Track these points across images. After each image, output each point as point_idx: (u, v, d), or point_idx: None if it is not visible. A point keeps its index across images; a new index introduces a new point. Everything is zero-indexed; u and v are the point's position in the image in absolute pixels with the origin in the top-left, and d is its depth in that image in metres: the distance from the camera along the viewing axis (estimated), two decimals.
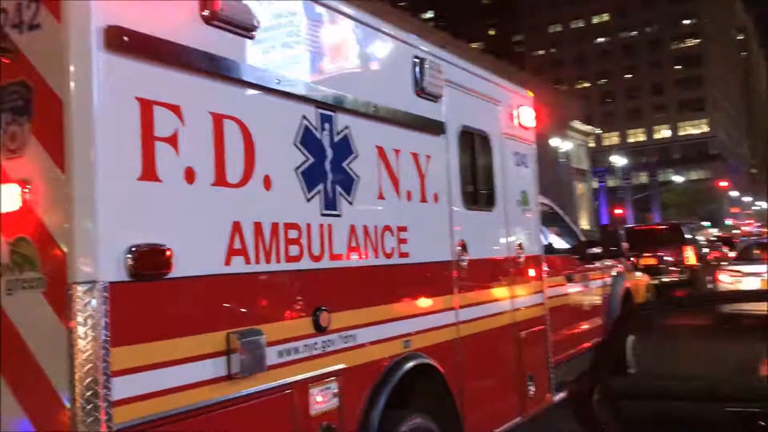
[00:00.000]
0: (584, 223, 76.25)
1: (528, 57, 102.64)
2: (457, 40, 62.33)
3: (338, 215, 3.54)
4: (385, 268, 3.88)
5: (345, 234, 3.58)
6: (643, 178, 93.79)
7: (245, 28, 3.01)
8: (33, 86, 2.49)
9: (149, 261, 2.52)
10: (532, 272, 5.70)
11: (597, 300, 7.59)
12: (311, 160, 3.38)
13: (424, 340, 4.13)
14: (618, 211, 60.63)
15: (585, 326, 7.12)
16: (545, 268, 6.07)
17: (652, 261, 18.72)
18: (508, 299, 5.21)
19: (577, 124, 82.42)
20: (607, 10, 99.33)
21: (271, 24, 3.18)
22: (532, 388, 5.39)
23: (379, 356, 3.74)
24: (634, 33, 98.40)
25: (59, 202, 2.41)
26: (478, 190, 5.01)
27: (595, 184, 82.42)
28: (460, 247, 4.61)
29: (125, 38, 2.50)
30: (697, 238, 22.56)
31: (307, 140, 3.37)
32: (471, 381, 4.51)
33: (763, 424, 2.69)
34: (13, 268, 2.50)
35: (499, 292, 5.11)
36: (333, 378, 3.39)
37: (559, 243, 7.44)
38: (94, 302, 2.35)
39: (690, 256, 19.43)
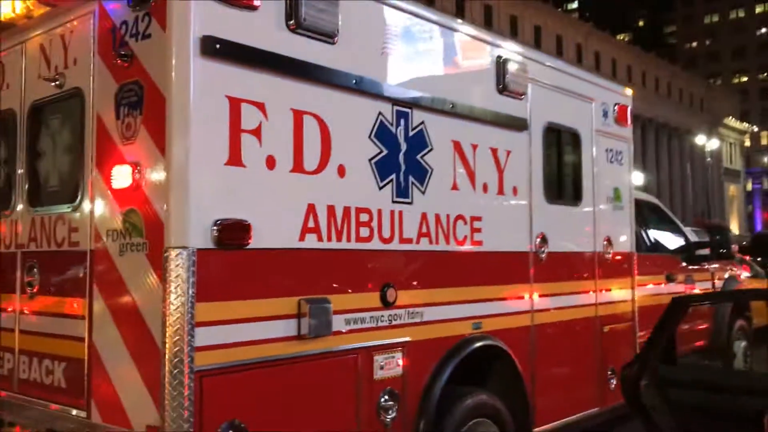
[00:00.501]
0: (734, 228, 71.70)
1: (680, 49, 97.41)
2: (601, 32, 60.59)
3: (410, 203, 3.91)
4: (456, 253, 4.21)
5: (416, 220, 3.95)
6: None
7: (327, 35, 3.44)
8: (144, 85, 3.05)
9: (232, 233, 3.01)
10: (621, 269, 5.79)
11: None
12: (385, 152, 3.77)
13: (495, 323, 4.42)
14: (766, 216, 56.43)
15: (685, 327, 7.04)
16: (639, 265, 6.13)
17: None
18: (591, 293, 5.36)
19: (732, 122, 77.51)
20: None
21: (351, 30, 3.59)
22: (614, 381, 5.51)
23: (446, 334, 4.08)
24: None
25: (161, 180, 2.96)
26: (563, 185, 5.20)
27: (750, 186, 77.14)
28: (539, 239, 4.84)
29: (218, 46, 3.00)
30: None
31: (382, 134, 3.77)
32: (544, 368, 4.74)
33: None
34: (124, 234, 3.08)
35: (581, 285, 5.28)
36: (398, 348, 3.78)
37: (666, 242, 7.39)
38: (184, 264, 2.87)
39: None
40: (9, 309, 3.76)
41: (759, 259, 21.11)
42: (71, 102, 3.47)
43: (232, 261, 3.05)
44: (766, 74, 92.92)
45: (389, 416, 3.69)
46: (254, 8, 3.15)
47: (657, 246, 7.14)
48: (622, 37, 79.81)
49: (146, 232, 3.00)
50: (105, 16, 3.28)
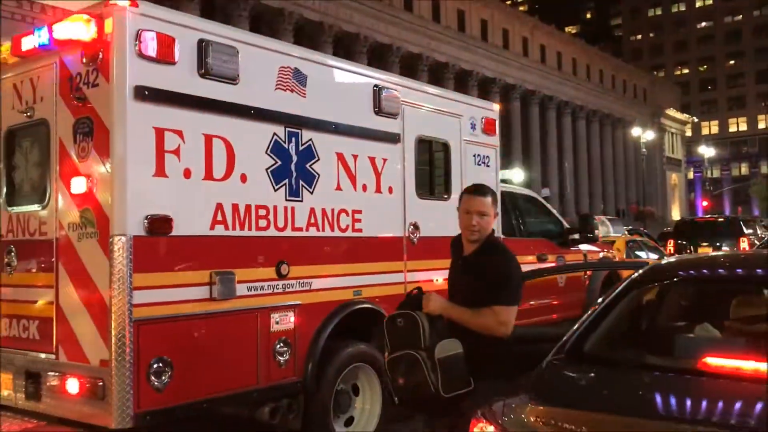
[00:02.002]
0: (676, 214, 74.89)
1: (626, 42, 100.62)
2: (547, 25, 62.57)
3: (300, 200, 5.22)
4: (340, 238, 5.54)
5: (305, 213, 5.26)
6: (744, 169, 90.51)
7: (230, 78, 4.72)
8: (94, 120, 4.29)
9: (158, 224, 4.29)
10: None
11: (574, 278, 8.94)
12: (279, 163, 5.08)
13: (373, 292, 5.77)
14: (704, 203, 59.36)
15: (555, 300, 8.53)
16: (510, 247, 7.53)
17: (708, 250, 19.70)
18: None
19: (673, 113, 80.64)
20: None
21: (248, 73, 4.86)
22: None
23: (330, 299, 5.41)
24: (739, 17, 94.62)
25: (106, 187, 4.21)
26: (434, 184, 6.57)
27: (692, 175, 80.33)
28: (412, 227, 6.21)
29: (146, 92, 4.26)
30: (759, 232, 23.05)
31: (277, 150, 5.07)
32: None
33: None
34: (81, 226, 4.33)
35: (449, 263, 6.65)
36: (291, 309, 5.10)
37: (541, 229, 8.86)
38: (124, 246, 4.14)
39: (744, 247, 20.23)
40: None
41: (680, 241, 23.05)
42: (39, 128, 4.69)
43: (159, 244, 4.33)
44: (705, 67, 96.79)
45: (283, 358, 5.01)
46: (173, 63, 4.41)
47: (531, 232, 8.60)
48: (570, 30, 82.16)
49: (97, 225, 4.26)
50: (64, 66, 4.50)
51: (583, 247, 9.36)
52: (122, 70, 4.21)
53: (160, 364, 4.26)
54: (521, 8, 62.31)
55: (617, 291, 3.75)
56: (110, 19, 4.22)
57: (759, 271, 3.62)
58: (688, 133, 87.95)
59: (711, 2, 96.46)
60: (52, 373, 4.46)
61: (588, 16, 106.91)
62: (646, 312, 3.95)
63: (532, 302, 7.98)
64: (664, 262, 5.33)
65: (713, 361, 2.96)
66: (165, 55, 4.36)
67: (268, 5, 39.22)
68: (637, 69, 79.48)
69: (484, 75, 53.58)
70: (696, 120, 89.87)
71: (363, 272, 5.75)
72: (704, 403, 2.77)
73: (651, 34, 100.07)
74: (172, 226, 4.36)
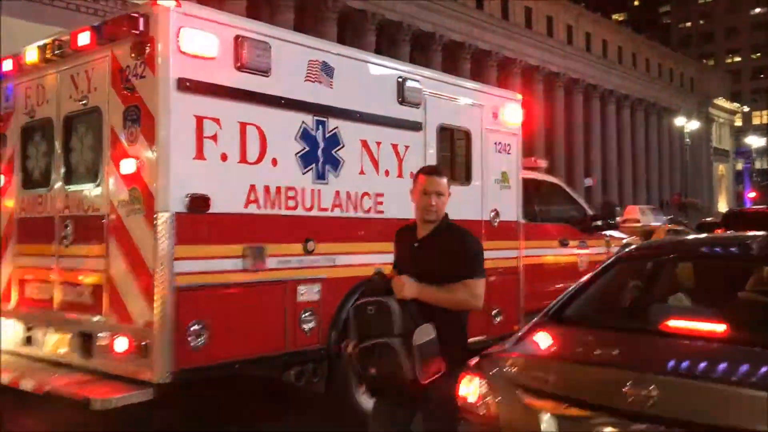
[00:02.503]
0: (723, 206, 73.57)
1: (674, 29, 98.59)
2: (592, 13, 61.88)
3: (326, 183, 5.70)
4: (363, 219, 6.01)
5: (331, 195, 5.74)
6: None
7: (263, 71, 5.21)
8: (141, 108, 4.82)
9: (197, 202, 4.81)
10: (507, 233, 7.58)
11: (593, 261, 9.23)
12: (307, 148, 5.56)
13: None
14: (751, 195, 58.23)
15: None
16: (530, 232, 7.92)
17: None
18: None
19: (722, 102, 78.94)
20: None
21: (280, 66, 5.34)
22: (498, 318, 7.33)
23: (353, 274, 5.87)
24: None
25: (152, 169, 4.74)
26: (455, 169, 6.98)
27: (740, 166, 78.69)
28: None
29: (188, 84, 4.77)
30: None
31: (305, 136, 5.55)
32: None
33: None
34: (129, 203, 4.88)
35: None
36: (317, 282, 5.59)
37: (563, 214, 9.19)
38: (167, 221, 4.66)
39: None
40: (52, 255, 5.57)
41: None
42: (93, 115, 5.25)
43: (198, 220, 4.85)
44: (758, 55, 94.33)
45: (308, 326, 5.51)
46: (213, 58, 4.92)
47: (553, 218, 8.94)
48: (617, 17, 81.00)
49: (144, 202, 4.79)
50: (115, 60, 5.04)
51: (608, 233, 9.64)
52: (166, 64, 4.73)
53: (197, 327, 4.79)
54: None
55: (603, 266, 4.15)
56: (156, 17, 4.73)
57: (721, 249, 4.00)
58: (738, 122, 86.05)
59: None
60: (103, 334, 5.03)
61: (636, 3, 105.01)
62: (627, 284, 4.33)
63: (558, 285, 8.34)
64: (648, 242, 5.69)
65: (674, 324, 3.36)
66: (205, 50, 4.86)
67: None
68: (685, 57, 77.99)
69: (528, 63, 53.31)
70: (747, 109, 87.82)
71: (384, 251, 6.17)
72: (661, 356, 3.17)
73: (701, 21, 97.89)
74: (209, 205, 4.88)
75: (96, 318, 5.13)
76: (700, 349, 3.15)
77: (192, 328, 4.77)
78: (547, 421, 3.13)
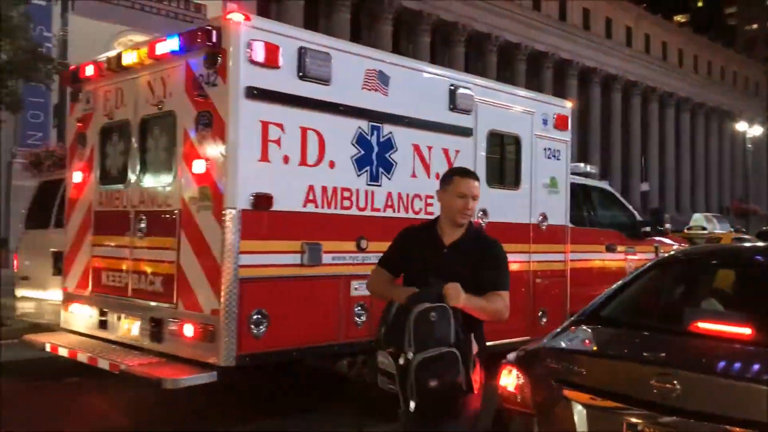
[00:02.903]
0: None
1: (739, 31, 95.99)
2: (653, 14, 60.89)
3: (379, 185, 6.07)
4: (413, 220, 6.34)
5: (383, 197, 6.11)
6: None
7: (323, 80, 5.61)
8: (213, 113, 5.27)
9: (261, 201, 5.23)
10: (554, 237, 7.83)
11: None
12: (362, 152, 5.94)
13: None
14: None
15: None
16: (577, 236, 8.16)
17: None
18: (525, 253, 7.44)
19: None
20: None
21: (339, 75, 5.73)
22: (544, 320, 7.58)
23: None
24: None
25: (222, 169, 5.18)
26: (504, 174, 7.28)
27: None
28: (481, 212, 6.95)
29: (255, 92, 5.20)
30: None
31: (361, 141, 5.93)
32: None
33: None
34: (200, 200, 5.33)
35: (516, 246, 7.35)
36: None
37: (612, 220, 9.38)
38: (234, 218, 5.10)
39: None
40: (126, 246, 6.08)
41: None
42: (167, 119, 5.73)
43: (261, 217, 5.28)
44: None
45: (360, 320, 5.89)
46: (278, 67, 5.34)
47: (601, 223, 9.14)
48: (678, 19, 79.36)
49: (213, 199, 5.24)
50: (189, 68, 5.50)
51: (657, 239, 9.79)
52: (236, 74, 5.17)
53: (259, 316, 5.22)
54: None
55: (639, 270, 4.42)
56: (228, 30, 5.18)
57: (757, 257, 4.21)
58: None
59: None
60: (172, 320, 5.50)
61: (699, 4, 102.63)
62: (662, 288, 4.56)
63: (605, 289, 8.52)
64: (684, 249, 5.87)
65: (704, 326, 3.63)
66: (271, 61, 5.29)
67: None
68: (749, 60, 75.99)
69: (584, 65, 52.87)
70: None
71: None
72: (687, 355, 3.43)
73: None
74: (272, 203, 5.31)
75: (167, 305, 5.60)
76: (724, 349, 3.39)
77: (254, 317, 5.20)
78: (579, 411, 3.34)
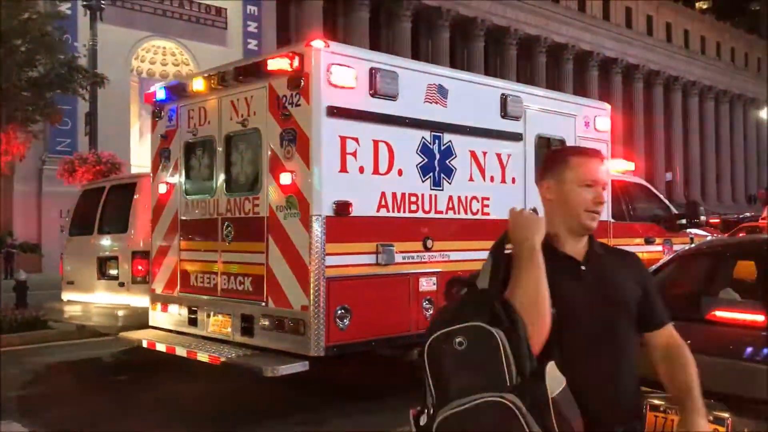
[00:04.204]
0: None
1: (763, 17, 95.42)
2: (673, 2, 61.01)
3: (441, 190, 6.76)
4: (472, 220, 7.04)
5: (445, 200, 6.79)
6: None
7: (392, 96, 6.30)
8: (297, 131, 5.98)
9: (342, 207, 5.94)
10: (597, 232, 8.44)
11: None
12: (426, 160, 6.63)
13: None
14: None
15: None
16: (618, 230, 8.80)
17: None
18: None
19: None
20: None
21: (405, 91, 6.42)
22: None
23: (464, 268, 6.90)
24: None
25: (307, 180, 5.89)
26: None
27: None
28: (531, 210, 7.58)
29: (335, 110, 5.90)
30: None
31: (424, 150, 6.62)
32: None
33: None
34: (286, 208, 6.04)
35: None
36: (434, 275, 6.65)
37: (650, 214, 10.00)
38: (320, 223, 5.81)
39: None
40: (214, 250, 6.81)
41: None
42: (252, 135, 6.45)
43: (342, 222, 5.98)
44: None
45: (428, 313, 6.58)
46: (353, 87, 6.03)
47: (640, 217, 9.77)
48: (700, 5, 79.26)
49: (299, 207, 5.95)
50: (273, 90, 6.21)
51: (693, 231, 10.40)
52: (318, 95, 5.87)
53: (342, 311, 5.93)
54: None
55: (663, 261, 4.90)
56: (310, 56, 5.88)
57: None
58: None
59: None
60: (263, 316, 6.23)
61: None
62: (682, 278, 4.86)
63: None
64: (704, 241, 6.38)
65: (722, 314, 3.98)
66: (347, 82, 5.99)
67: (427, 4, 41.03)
68: None
69: (605, 56, 53.24)
70: None
71: (489, 248, 7.21)
72: (704, 340, 3.62)
73: None
74: (351, 209, 6.01)
75: (257, 303, 6.32)
76: (740, 334, 3.74)
77: (338, 312, 5.91)
78: None
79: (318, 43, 5.89)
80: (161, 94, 7.39)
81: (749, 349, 3.59)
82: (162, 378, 8.06)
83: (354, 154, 6.08)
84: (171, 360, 6.90)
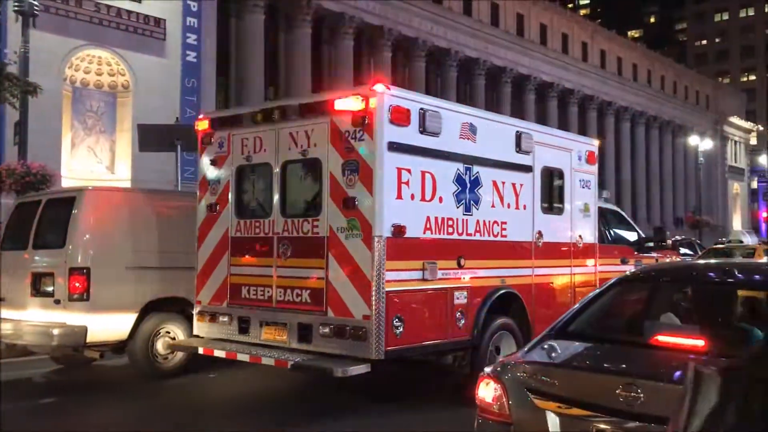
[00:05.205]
0: (737, 224, 76.30)
1: (690, 47, 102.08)
2: (607, 30, 64.73)
3: (471, 215, 8.04)
4: (494, 242, 8.34)
5: (474, 224, 8.08)
6: None
7: (435, 133, 7.55)
8: (359, 161, 7.15)
9: (398, 230, 7.14)
10: (588, 253, 9.94)
11: None
12: (459, 189, 7.90)
13: (512, 281, 8.57)
14: (765, 214, 61.04)
15: None
16: (602, 252, 10.29)
17: None
18: (568, 266, 9.52)
19: (737, 120, 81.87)
20: None
21: (445, 128, 7.69)
22: None
23: (487, 284, 8.21)
24: None
25: (368, 206, 7.07)
26: (552, 203, 9.35)
27: (755, 184, 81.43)
28: (537, 234, 8.98)
29: (394, 145, 7.12)
30: None
31: (458, 180, 7.89)
32: (539, 306, 8.88)
33: None
34: (347, 229, 7.19)
35: (562, 261, 9.43)
36: (465, 289, 7.91)
37: (624, 237, 11.59)
38: (381, 243, 6.99)
39: None
40: (269, 266, 7.87)
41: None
42: (312, 163, 7.57)
43: (398, 242, 7.18)
44: None
45: (460, 323, 7.83)
46: (408, 125, 7.27)
47: (617, 240, 11.33)
48: (632, 34, 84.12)
49: (362, 229, 7.10)
50: (334, 125, 7.35)
51: (658, 253, 12.05)
52: (381, 132, 7.07)
53: (398, 320, 7.10)
54: (582, 12, 64.58)
55: (604, 286, 5.08)
56: (374, 98, 7.07)
57: (712, 275, 5.09)
58: (753, 141, 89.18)
59: None
60: (322, 324, 7.32)
61: (651, 20, 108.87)
62: (625, 303, 5.18)
63: None
64: (645, 266, 7.02)
65: (663, 339, 4.18)
66: (404, 121, 7.22)
67: (329, 9, 42.19)
68: (700, 75, 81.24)
69: (542, 80, 56.06)
70: (761, 128, 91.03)
71: (506, 266, 8.56)
72: (648, 365, 3.96)
73: (717, 39, 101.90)
74: (405, 232, 7.21)
75: (316, 313, 7.41)
76: (681, 359, 3.74)
77: (394, 321, 7.08)
78: (552, 419, 3.80)
79: (380, 87, 7.10)
80: (208, 124, 8.45)
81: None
82: (93, 400, 8.61)
83: (407, 183, 7.30)
84: (103, 380, 7.54)
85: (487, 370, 4.24)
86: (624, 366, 4.06)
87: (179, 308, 9.55)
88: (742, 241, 22.48)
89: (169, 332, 9.53)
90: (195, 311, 8.59)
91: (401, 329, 7.14)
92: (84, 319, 8.68)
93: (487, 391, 4.10)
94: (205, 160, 8.63)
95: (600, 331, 4.71)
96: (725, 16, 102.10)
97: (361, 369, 6.95)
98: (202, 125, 8.59)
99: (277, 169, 7.94)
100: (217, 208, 8.47)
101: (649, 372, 3.76)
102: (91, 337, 8.82)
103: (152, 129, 17.61)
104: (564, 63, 58.12)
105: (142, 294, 9.34)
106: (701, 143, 53.11)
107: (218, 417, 7.85)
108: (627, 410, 3.52)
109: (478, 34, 51.02)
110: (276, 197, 7.94)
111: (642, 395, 3.49)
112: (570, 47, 59.75)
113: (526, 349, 4.61)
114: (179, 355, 9.48)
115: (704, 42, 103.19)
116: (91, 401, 8.63)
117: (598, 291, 5.01)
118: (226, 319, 8.24)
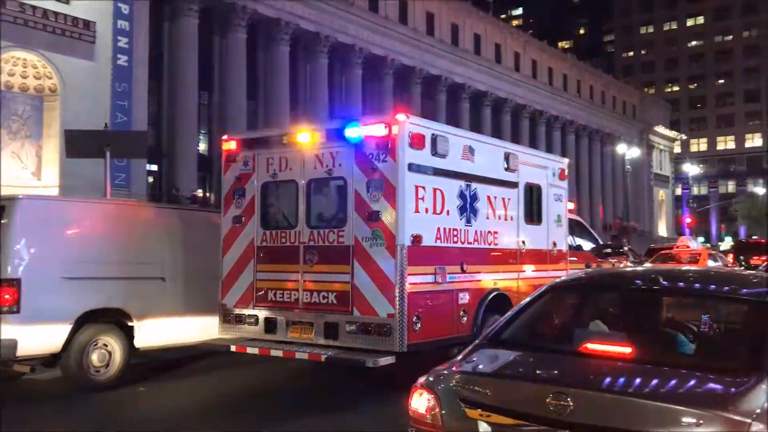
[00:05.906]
0: (663, 230, 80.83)
1: (617, 58, 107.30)
2: (539, 41, 67.81)
3: (470, 226, 9.52)
4: (489, 249, 9.85)
5: (473, 233, 9.57)
6: (731, 187, 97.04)
7: (443, 156, 9.01)
8: (383, 180, 8.53)
9: (416, 239, 8.54)
10: (560, 259, 11.58)
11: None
12: (462, 203, 9.38)
13: (503, 283, 10.09)
14: (688, 220, 65.21)
15: None
16: (570, 258, 11.96)
17: (759, 261, 28.24)
18: (545, 270, 11.12)
19: (662, 129, 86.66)
20: (703, 12, 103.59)
21: (450, 151, 9.15)
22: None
23: (484, 286, 9.70)
24: (730, 38, 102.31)
25: (392, 219, 8.45)
26: (533, 215, 10.94)
27: (680, 191, 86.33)
28: (522, 242, 10.55)
29: (412, 166, 8.53)
30: None
31: (461, 195, 9.37)
32: None
33: None
34: (372, 239, 8.55)
35: (540, 266, 11.02)
36: (467, 291, 9.38)
37: (586, 244, 13.32)
38: (403, 250, 8.39)
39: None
40: (296, 272, 9.15)
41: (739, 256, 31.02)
42: (337, 182, 8.90)
43: (416, 250, 8.58)
44: (695, 85, 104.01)
45: (463, 320, 9.29)
46: (423, 148, 8.70)
47: (580, 247, 13.05)
48: (562, 45, 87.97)
49: (385, 239, 8.47)
50: (361, 150, 8.68)
51: (615, 259, 13.86)
52: (402, 155, 8.46)
53: (417, 317, 8.50)
54: (514, 22, 67.58)
55: (536, 294, 5.17)
56: (396, 126, 8.46)
57: (639, 282, 5.11)
58: (677, 149, 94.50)
59: (702, 22, 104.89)
60: (349, 323, 8.64)
61: (581, 32, 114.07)
62: (556, 310, 5.32)
63: None
64: (576, 274, 7.50)
65: (592, 346, 4.26)
66: (420, 145, 8.64)
67: (264, 15, 43.07)
68: (627, 85, 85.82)
69: (476, 89, 58.41)
70: (684, 137, 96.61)
71: (498, 270, 10.09)
72: (577, 373, 4.02)
73: (643, 51, 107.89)
74: (421, 241, 8.63)
75: (342, 312, 8.73)
76: (609, 367, 3.99)
77: (414, 318, 8.48)
78: (484, 428, 3.84)
79: (402, 116, 8.51)
80: (236, 145, 9.70)
81: (618, 381, 3.89)
82: (26, 415, 8.38)
83: (422, 199, 8.72)
84: (35, 394, 8.07)
85: (421, 380, 4.24)
86: (554, 374, 4.14)
87: (115, 319, 9.85)
88: (689, 246, 25.02)
89: (106, 344, 9.69)
90: (219, 314, 9.77)
91: (419, 326, 8.54)
92: (14, 332, 8.62)
93: (420, 401, 4.13)
94: (229, 177, 9.84)
95: (532, 339, 4.84)
96: (650, 29, 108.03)
97: (388, 360, 8.32)
98: (229, 145, 9.80)
99: (302, 185, 9.23)
100: (243, 220, 9.68)
101: (578, 380, 3.83)
102: (21, 351, 8.79)
103: (80, 135, 17.21)
104: (497, 72, 60.63)
105: (77, 305, 9.39)
106: (628, 151, 56.44)
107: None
108: (557, 419, 3.58)
109: (414, 43, 52.81)
110: (302, 210, 9.24)
111: (571, 404, 3.56)
112: (503, 57, 62.37)
113: (459, 357, 4.62)
114: (114, 367, 9.73)
115: (631, 53, 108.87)
116: (26, 417, 8.34)
117: (530, 298, 5.14)
118: (252, 320, 9.46)
